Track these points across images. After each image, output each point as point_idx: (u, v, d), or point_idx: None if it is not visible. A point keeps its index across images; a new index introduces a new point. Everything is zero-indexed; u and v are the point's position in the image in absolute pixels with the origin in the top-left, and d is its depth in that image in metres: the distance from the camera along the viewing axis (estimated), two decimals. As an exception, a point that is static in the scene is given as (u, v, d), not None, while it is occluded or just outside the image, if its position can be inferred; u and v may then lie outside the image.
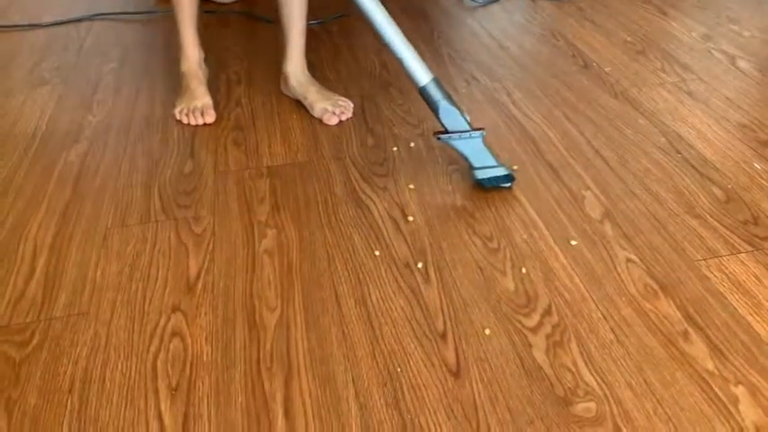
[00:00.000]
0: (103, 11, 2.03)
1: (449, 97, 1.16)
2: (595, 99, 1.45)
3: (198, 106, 1.44)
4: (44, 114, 1.49)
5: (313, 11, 1.98)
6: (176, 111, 1.46)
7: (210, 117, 1.43)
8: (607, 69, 1.58)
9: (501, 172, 1.16)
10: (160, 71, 1.66)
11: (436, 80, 1.17)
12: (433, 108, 1.16)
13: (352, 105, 1.46)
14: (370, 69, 1.63)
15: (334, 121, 1.42)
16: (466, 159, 1.17)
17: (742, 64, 1.57)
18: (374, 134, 1.37)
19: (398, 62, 1.18)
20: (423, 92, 1.16)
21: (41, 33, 1.91)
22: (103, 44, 1.83)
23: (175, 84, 1.57)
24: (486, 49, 1.72)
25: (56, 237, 1.11)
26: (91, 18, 1.99)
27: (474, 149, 1.16)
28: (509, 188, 1.17)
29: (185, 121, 1.43)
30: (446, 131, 1.16)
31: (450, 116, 1.15)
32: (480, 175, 1.16)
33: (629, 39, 1.73)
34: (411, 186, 1.20)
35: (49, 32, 1.91)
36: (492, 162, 1.16)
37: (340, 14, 1.94)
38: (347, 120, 1.42)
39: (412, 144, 1.32)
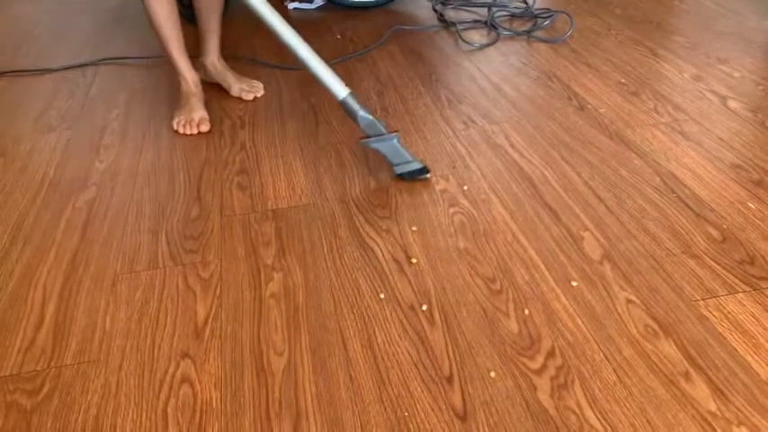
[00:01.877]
0: (109, 55, 2.08)
1: (364, 108, 1.35)
2: (591, 140, 1.49)
3: (195, 118, 1.61)
4: (52, 161, 1.52)
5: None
6: (174, 122, 1.63)
7: (206, 127, 1.61)
8: (602, 110, 1.62)
9: (416, 166, 1.35)
10: (165, 115, 1.70)
11: (352, 93, 1.36)
12: (353, 117, 1.35)
13: (262, 85, 1.80)
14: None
15: (249, 97, 1.77)
16: (386, 159, 1.36)
17: (733, 104, 1.62)
18: (376, 177, 1.40)
19: (316, 80, 1.36)
20: (343, 104, 1.35)
21: (48, 79, 1.95)
22: (109, 89, 1.87)
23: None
24: (483, 91, 1.76)
25: (65, 284, 1.13)
26: (97, 63, 2.04)
27: (391, 149, 1.34)
28: (426, 179, 1.36)
29: (181, 131, 1.61)
30: (367, 136, 1.35)
31: (368, 123, 1.34)
32: (399, 170, 1.36)
33: (622, 80, 1.78)
34: (414, 228, 1.22)
35: (55, 78, 1.96)
36: (408, 158, 1.35)
37: (341, 59, 1.99)
38: (347, 161, 1.45)
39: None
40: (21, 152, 1.56)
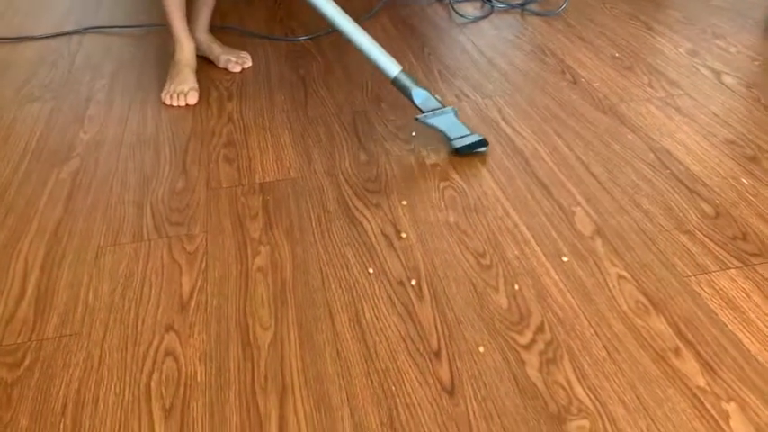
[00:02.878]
0: (95, 24, 2.03)
1: (418, 83, 1.32)
2: (584, 115, 1.47)
3: (185, 90, 1.58)
4: (35, 131, 1.48)
5: (305, 26, 1.99)
6: (163, 94, 1.59)
7: (193, 99, 1.58)
8: (595, 85, 1.60)
9: (475, 138, 1.31)
10: (152, 86, 1.66)
11: (404, 71, 1.32)
12: (407, 94, 1.32)
13: (249, 57, 1.77)
14: (362, 85, 1.64)
15: (237, 69, 1.73)
16: (443, 134, 1.32)
17: (728, 80, 1.60)
18: (366, 150, 1.37)
19: (367, 59, 1.32)
20: (395, 82, 1.32)
21: (31, 48, 1.91)
22: (95, 59, 1.83)
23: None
24: (476, 65, 1.73)
25: (47, 256, 1.11)
26: (82, 32, 1.99)
27: (448, 123, 1.31)
28: (484, 152, 1.33)
29: (168, 102, 1.57)
30: (422, 112, 1.31)
31: (423, 98, 1.31)
32: (457, 144, 1.32)
33: (616, 54, 1.75)
34: (404, 203, 1.20)
35: (39, 47, 1.91)
36: (466, 132, 1.31)
37: (332, 29, 1.95)
38: (337, 134, 1.42)
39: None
40: (2, 122, 1.53)
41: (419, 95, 1.31)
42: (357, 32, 1.31)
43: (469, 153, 1.32)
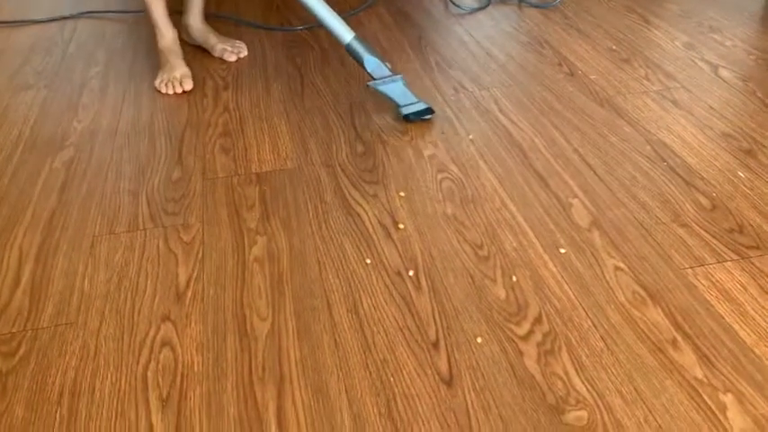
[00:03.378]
0: (89, 9, 2.01)
1: (371, 50, 1.35)
2: (581, 107, 1.47)
3: (177, 76, 1.56)
4: (28, 119, 1.47)
5: (301, 15, 1.98)
6: (157, 82, 1.58)
7: (188, 85, 1.56)
8: (592, 77, 1.60)
9: (422, 106, 1.38)
10: (146, 74, 1.65)
11: (357, 37, 1.36)
12: (359, 60, 1.36)
13: (245, 46, 1.75)
14: (358, 75, 1.63)
15: (233, 58, 1.71)
16: (392, 100, 1.38)
17: (724, 73, 1.60)
18: (363, 141, 1.37)
19: (321, 25, 1.37)
20: (348, 48, 1.36)
21: (24, 33, 1.89)
22: (89, 46, 1.81)
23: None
24: (474, 56, 1.73)
25: (42, 245, 1.10)
26: (76, 17, 1.97)
27: (397, 91, 1.37)
28: (430, 119, 1.39)
29: (164, 90, 1.56)
30: (373, 79, 1.36)
31: (374, 65, 1.35)
32: (405, 111, 1.37)
33: (613, 47, 1.75)
34: (401, 194, 1.20)
35: (32, 33, 1.89)
36: (413, 99, 1.37)
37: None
38: (333, 124, 1.42)
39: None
40: (-5, 110, 1.51)
41: (370, 63, 1.35)
42: (315, 2, 1.35)
43: (416, 120, 1.38)
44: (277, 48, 1.79)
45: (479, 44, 1.79)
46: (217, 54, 1.72)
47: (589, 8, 2.01)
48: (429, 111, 1.38)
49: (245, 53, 1.74)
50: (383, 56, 1.71)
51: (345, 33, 1.35)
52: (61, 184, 1.25)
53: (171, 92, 1.55)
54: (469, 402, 0.82)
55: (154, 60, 1.70)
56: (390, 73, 1.36)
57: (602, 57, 1.70)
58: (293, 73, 1.66)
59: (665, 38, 1.80)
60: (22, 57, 1.76)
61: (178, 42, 1.63)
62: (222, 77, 1.64)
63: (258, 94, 1.56)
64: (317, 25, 1.90)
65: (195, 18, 1.72)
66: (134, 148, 1.36)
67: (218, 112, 1.49)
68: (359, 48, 1.35)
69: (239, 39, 1.79)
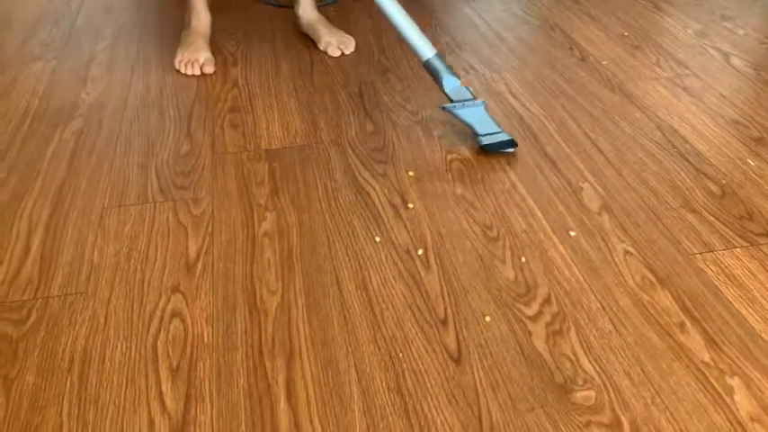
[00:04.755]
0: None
1: (451, 70, 1.25)
2: (592, 92, 1.46)
3: (200, 59, 1.52)
4: (37, 91, 1.46)
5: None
6: (176, 60, 1.54)
7: (210, 68, 1.52)
8: (604, 63, 1.59)
9: (504, 137, 1.23)
10: (155, 50, 1.64)
11: (439, 54, 1.25)
12: (438, 80, 1.25)
13: (354, 41, 1.64)
14: (368, 55, 1.63)
15: (336, 53, 1.61)
16: (470, 127, 1.24)
17: (736, 61, 1.59)
18: (373, 120, 1.36)
19: (402, 39, 1.27)
20: (427, 65, 1.26)
21: (31, 5, 1.87)
22: (96, 20, 1.80)
23: (170, 64, 1.56)
24: (484, 39, 1.72)
25: (51, 215, 1.10)
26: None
27: (477, 117, 1.24)
28: (512, 153, 1.24)
29: (183, 70, 1.52)
30: (451, 101, 1.25)
31: (453, 87, 1.24)
32: (485, 141, 1.23)
33: (625, 33, 1.74)
34: (411, 173, 1.20)
35: (39, 3, 1.88)
36: (495, 129, 1.24)
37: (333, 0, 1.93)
38: (343, 103, 1.41)
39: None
40: (4, 80, 1.50)
41: (450, 83, 1.24)
42: (396, 10, 1.25)
43: (496, 152, 1.24)
44: (287, 25, 1.78)
45: (490, 27, 1.78)
46: (321, 47, 1.62)
47: (601, -7, 1.99)
48: (512, 143, 1.23)
49: (351, 49, 1.63)
50: (393, 36, 1.70)
51: (426, 49, 1.24)
52: (70, 155, 1.25)
53: (190, 72, 1.51)
54: (478, 380, 0.83)
55: (161, 35, 1.69)
56: (471, 96, 1.24)
57: (613, 42, 1.69)
58: (303, 51, 1.65)
59: (677, 25, 1.79)
60: (29, 28, 1.75)
61: (210, 27, 1.60)
62: (232, 53, 1.63)
63: (268, 72, 1.55)
64: (326, 3, 1.89)
65: (305, 9, 1.66)
66: (143, 122, 1.35)
67: (228, 88, 1.48)
68: (439, 66, 1.24)
69: (249, 15, 1.78)
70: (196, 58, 1.52)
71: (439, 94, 1.39)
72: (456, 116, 1.25)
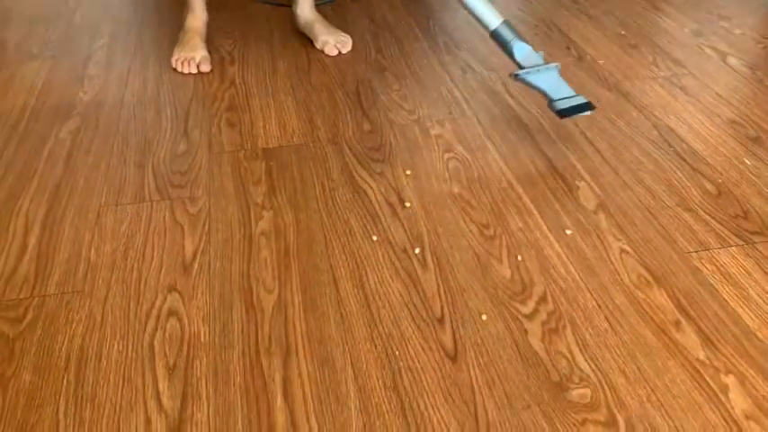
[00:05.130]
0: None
1: (520, 36, 1.21)
2: (589, 91, 1.46)
3: (196, 58, 1.52)
4: (34, 89, 1.46)
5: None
6: (173, 59, 1.54)
7: (206, 67, 1.52)
8: (600, 62, 1.59)
9: (580, 100, 1.20)
10: (152, 49, 1.64)
11: (507, 22, 1.22)
12: (507, 48, 1.22)
13: (351, 40, 1.64)
14: (365, 54, 1.63)
15: (333, 52, 1.61)
16: (544, 94, 1.22)
17: (732, 61, 1.60)
18: (370, 119, 1.36)
19: (466, 9, 1.23)
20: (494, 35, 1.22)
21: (29, 2, 1.87)
22: (93, 19, 1.80)
23: (167, 64, 1.56)
24: (482, 37, 1.71)
25: (48, 213, 1.10)
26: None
27: (551, 82, 1.20)
28: (591, 113, 1.22)
29: (180, 69, 1.52)
30: (521, 68, 1.21)
31: (524, 53, 1.21)
32: (561, 105, 1.20)
33: (622, 32, 1.74)
34: (408, 172, 1.20)
35: (37, 2, 1.87)
36: (570, 92, 1.20)
37: (335, -2, 1.93)
38: (340, 101, 1.41)
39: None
40: (1, 78, 1.50)
41: (521, 50, 1.20)
42: None
43: (572, 115, 1.21)
44: (284, 24, 1.78)
45: (487, 26, 1.78)
46: (318, 46, 1.62)
47: (598, -7, 2.00)
48: (589, 106, 1.21)
49: (348, 48, 1.63)
50: (390, 35, 1.71)
51: (492, 18, 1.20)
52: (67, 153, 1.25)
53: (187, 71, 1.52)
54: (474, 377, 0.83)
55: (159, 34, 1.69)
56: (543, 61, 1.20)
57: (610, 42, 1.69)
58: (300, 50, 1.65)
59: (674, 24, 1.79)
60: (26, 26, 1.75)
61: (206, 25, 1.60)
62: (229, 52, 1.63)
63: (264, 70, 1.55)
64: (324, 2, 1.89)
65: (303, 8, 1.66)
66: (140, 121, 1.35)
67: (225, 87, 1.48)
68: (507, 33, 1.20)
69: (246, 14, 1.78)
70: (192, 56, 1.52)
71: (435, 93, 1.40)
72: (528, 83, 1.22)
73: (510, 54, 1.22)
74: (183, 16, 1.61)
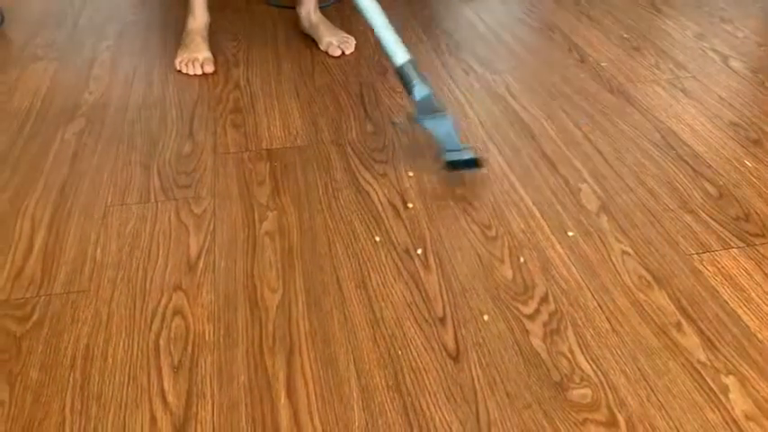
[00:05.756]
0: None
1: (424, 79, 1.18)
2: (592, 93, 1.47)
3: (199, 58, 1.54)
4: (39, 91, 1.47)
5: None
6: (177, 61, 1.55)
7: (210, 67, 1.54)
8: (603, 64, 1.60)
9: (469, 155, 1.17)
10: (157, 50, 1.65)
11: (413, 62, 1.19)
12: (408, 87, 1.19)
13: (354, 41, 1.65)
14: (368, 55, 1.64)
15: (337, 52, 1.62)
16: (437, 141, 1.19)
17: (734, 64, 1.60)
18: (373, 121, 1.37)
19: (378, 41, 1.22)
20: (399, 71, 1.20)
21: (35, 4, 1.88)
22: (99, 20, 1.81)
23: (172, 65, 1.57)
24: (484, 40, 1.73)
25: (54, 214, 1.11)
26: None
27: (445, 132, 1.17)
28: (477, 172, 1.17)
29: (184, 70, 1.53)
30: (419, 112, 1.18)
31: (424, 97, 1.17)
32: (450, 157, 1.17)
33: (624, 35, 1.75)
34: (410, 173, 1.21)
35: (41, 5, 1.89)
36: (461, 145, 1.18)
37: None
38: (344, 103, 1.42)
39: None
40: (6, 80, 1.51)
41: (421, 92, 1.17)
42: (375, 10, 1.21)
43: (460, 170, 1.17)
44: (288, 26, 1.79)
45: (490, 28, 1.79)
46: (323, 47, 1.64)
47: (601, -4, 2.00)
48: (477, 163, 1.16)
49: (351, 49, 1.64)
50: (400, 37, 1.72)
51: (400, 54, 1.18)
52: (72, 154, 1.26)
53: (191, 72, 1.53)
54: (476, 377, 0.83)
55: (164, 36, 1.71)
56: (441, 109, 1.18)
57: (612, 44, 1.70)
58: (304, 51, 1.66)
59: (676, 27, 1.80)
60: (32, 28, 1.76)
61: (207, 27, 1.61)
62: (233, 54, 1.64)
63: (269, 72, 1.56)
64: (328, 5, 1.90)
65: (307, 10, 1.67)
66: (145, 122, 1.36)
67: (229, 89, 1.49)
68: (411, 73, 1.18)
69: (251, 16, 1.79)
70: (195, 57, 1.54)
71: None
72: (424, 127, 1.19)
73: (410, 93, 1.19)
74: (185, 18, 1.62)
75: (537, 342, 0.88)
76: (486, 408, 0.80)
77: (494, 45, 1.70)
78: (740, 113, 1.40)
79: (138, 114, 1.39)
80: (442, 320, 0.91)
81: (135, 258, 1.02)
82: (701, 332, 0.90)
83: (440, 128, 1.17)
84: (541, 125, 1.35)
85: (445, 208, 1.12)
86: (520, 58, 1.63)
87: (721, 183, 1.18)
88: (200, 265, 1.00)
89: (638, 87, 1.50)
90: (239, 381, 0.83)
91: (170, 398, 0.81)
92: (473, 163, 1.16)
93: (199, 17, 1.60)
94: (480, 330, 0.90)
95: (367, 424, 0.78)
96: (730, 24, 1.81)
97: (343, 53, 1.63)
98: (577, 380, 0.83)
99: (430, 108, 1.17)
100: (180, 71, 1.54)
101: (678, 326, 0.91)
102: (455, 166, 1.17)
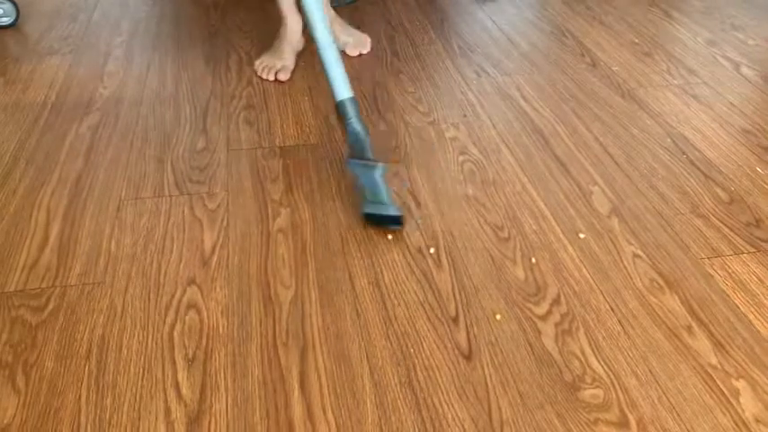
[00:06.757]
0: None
1: (360, 119, 1.12)
2: (603, 97, 1.48)
3: (277, 65, 1.53)
4: (54, 84, 1.48)
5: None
6: (257, 62, 1.56)
7: (284, 76, 1.52)
8: (614, 69, 1.60)
9: (392, 212, 1.07)
10: (170, 46, 1.66)
11: (354, 100, 1.13)
12: (344, 124, 1.13)
13: (370, 41, 1.66)
14: (381, 56, 1.65)
15: (354, 52, 1.62)
16: (360, 188, 1.10)
17: (746, 71, 1.61)
18: (386, 121, 1.38)
19: (325, 73, 1.15)
20: (339, 105, 1.13)
21: (49, 1, 1.89)
22: (113, 16, 1.82)
23: (185, 61, 1.58)
24: (496, 42, 1.73)
25: (69, 206, 1.12)
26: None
27: (371, 182, 1.08)
28: (397, 230, 1.08)
29: (259, 73, 1.53)
30: (350, 154, 1.12)
31: (355, 137, 1.11)
32: (369, 209, 1.08)
33: (636, 40, 1.76)
34: (423, 173, 1.21)
35: (56, 0, 1.90)
36: (385, 199, 1.08)
37: (352, 0, 1.94)
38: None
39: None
40: (21, 73, 1.52)
41: (354, 133, 1.11)
42: (330, 46, 1.14)
43: (376, 225, 1.08)
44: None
45: (502, 30, 1.80)
46: (339, 47, 1.60)
47: (612, 0, 2.01)
48: (397, 220, 1.07)
49: (367, 49, 1.64)
50: (406, 38, 1.72)
51: (343, 90, 1.13)
52: (87, 148, 1.27)
53: (265, 77, 1.52)
54: (488, 376, 0.84)
55: (177, 32, 1.71)
56: (371, 157, 1.10)
57: (624, 49, 1.71)
58: (315, 51, 1.66)
59: (687, 33, 1.80)
60: (46, 22, 1.77)
61: (300, 36, 1.57)
62: (247, 52, 1.65)
63: (282, 70, 1.57)
64: (342, 4, 1.91)
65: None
66: (159, 117, 1.37)
67: (243, 86, 1.50)
68: (351, 110, 1.12)
69: (265, 14, 1.80)
70: (273, 63, 1.53)
71: (449, 96, 1.41)
72: (352, 171, 1.11)
73: (344, 129, 1.14)
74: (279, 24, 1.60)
75: (549, 342, 0.89)
76: (498, 406, 0.80)
77: (506, 47, 1.70)
78: (751, 120, 1.40)
79: (151, 109, 1.40)
80: (455, 319, 0.92)
81: (149, 252, 1.02)
82: (711, 336, 0.90)
83: (367, 177, 1.09)
84: (553, 128, 1.36)
85: (458, 208, 1.13)
86: (532, 62, 1.63)
87: (732, 188, 1.19)
88: (214, 259, 1.01)
89: (650, 92, 1.50)
90: (253, 374, 0.84)
91: (184, 390, 0.81)
92: (394, 220, 1.07)
93: (290, 25, 1.55)
94: (493, 330, 0.90)
95: (380, 419, 0.79)
96: (741, 31, 1.82)
97: (360, 53, 1.63)
98: (589, 380, 0.84)
99: (362, 150, 1.11)
100: (256, 73, 1.54)
101: (689, 329, 0.91)
102: (374, 219, 1.08)
